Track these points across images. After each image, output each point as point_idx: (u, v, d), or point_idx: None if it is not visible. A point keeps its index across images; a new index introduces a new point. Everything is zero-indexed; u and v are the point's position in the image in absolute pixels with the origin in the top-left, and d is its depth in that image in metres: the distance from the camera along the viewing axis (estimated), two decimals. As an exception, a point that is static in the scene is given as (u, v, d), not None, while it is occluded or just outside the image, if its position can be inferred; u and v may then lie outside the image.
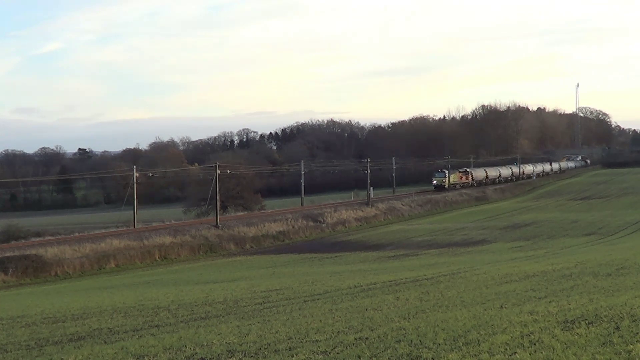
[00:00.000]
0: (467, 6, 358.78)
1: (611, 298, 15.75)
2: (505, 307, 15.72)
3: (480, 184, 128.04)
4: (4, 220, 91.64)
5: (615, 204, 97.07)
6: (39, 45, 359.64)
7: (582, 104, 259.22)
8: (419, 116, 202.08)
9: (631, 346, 10.20)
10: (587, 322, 12.31)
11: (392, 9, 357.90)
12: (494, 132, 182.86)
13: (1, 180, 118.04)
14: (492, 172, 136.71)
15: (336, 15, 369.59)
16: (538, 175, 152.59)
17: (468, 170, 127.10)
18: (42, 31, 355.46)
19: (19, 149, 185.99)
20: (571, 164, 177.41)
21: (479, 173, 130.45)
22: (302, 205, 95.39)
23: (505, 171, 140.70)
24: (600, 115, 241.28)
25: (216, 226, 70.59)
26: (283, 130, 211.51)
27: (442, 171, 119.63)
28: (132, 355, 13.29)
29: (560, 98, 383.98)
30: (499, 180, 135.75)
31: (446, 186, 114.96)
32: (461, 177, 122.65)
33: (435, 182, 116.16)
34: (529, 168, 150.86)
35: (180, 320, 19.28)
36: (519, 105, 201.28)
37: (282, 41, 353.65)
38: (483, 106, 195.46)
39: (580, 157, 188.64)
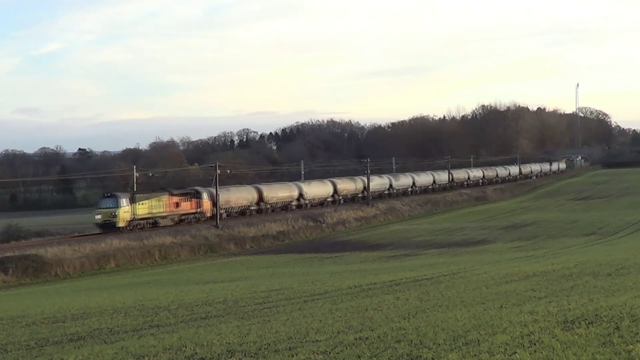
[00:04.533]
0: (467, 6, 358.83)
1: (611, 298, 15.75)
2: (505, 307, 15.72)
3: (240, 213, 77.39)
4: (4, 220, 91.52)
5: (615, 204, 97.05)
6: (39, 46, 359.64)
7: (582, 104, 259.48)
8: (419, 116, 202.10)
9: (631, 346, 10.20)
10: (587, 322, 12.31)
11: (392, 9, 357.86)
12: (494, 132, 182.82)
13: (1, 180, 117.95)
14: (284, 192, 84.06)
15: (336, 15, 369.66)
16: (455, 185, 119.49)
17: (201, 190, 73.08)
18: (43, 31, 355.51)
19: (19, 149, 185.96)
20: (537, 167, 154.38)
21: (228, 196, 75.57)
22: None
23: (346, 185, 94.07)
24: (600, 115, 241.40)
25: (216, 226, 70.59)
26: (283, 130, 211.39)
27: (111, 196, 65.80)
28: (132, 355, 13.30)
29: (560, 98, 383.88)
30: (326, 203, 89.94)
31: (119, 225, 63.16)
32: (175, 205, 69.25)
33: (98, 215, 64.61)
34: (440, 176, 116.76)
35: (180, 320, 19.28)
36: (519, 105, 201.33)
37: (282, 41, 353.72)
38: (483, 106, 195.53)
39: (580, 157, 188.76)
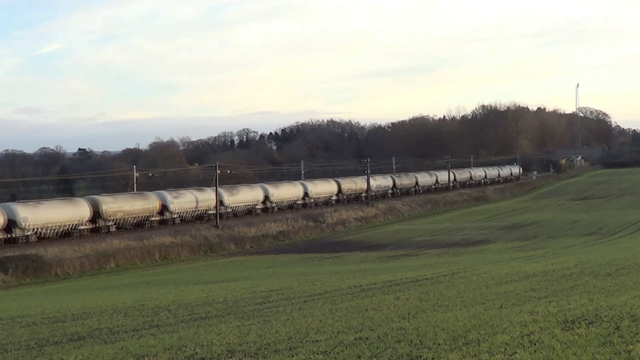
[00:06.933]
0: (467, 6, 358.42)
1: (611, 298, 15.75)
2: (505, 307, 15.72)
3: None
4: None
5: (615, 204, 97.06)
6: (39, 46, 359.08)
7: (582, 104, 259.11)
8: (419, 116, 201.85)
9: (631, 346, 10.20)
10: (587, 322, 12.31)
11: (392, 9, 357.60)
12: (494, 132, 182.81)
13: (1, 180, 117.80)
14: None
15: (336, 15, 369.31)
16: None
17: None
18: (43, 32, 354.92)
19: (19, 149, 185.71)
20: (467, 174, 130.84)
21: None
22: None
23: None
24: (600, 115, 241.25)
25: (216, 226, 70.63)
26: (283, 130, 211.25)
27: None
28: (132, 355, 13.29)
29: (560, 98, 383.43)
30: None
31: None
32: None
33: None
34: (282, 190, 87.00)
35: (180, 320, 19.28)
36: (519, 105, 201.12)
37: (282, 41, 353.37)
38: (483, 106, 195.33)
39: (580, 157, 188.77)
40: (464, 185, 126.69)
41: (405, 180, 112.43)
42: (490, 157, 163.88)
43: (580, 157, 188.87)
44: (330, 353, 11.50)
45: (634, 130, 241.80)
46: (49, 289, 43.73)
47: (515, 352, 10.31)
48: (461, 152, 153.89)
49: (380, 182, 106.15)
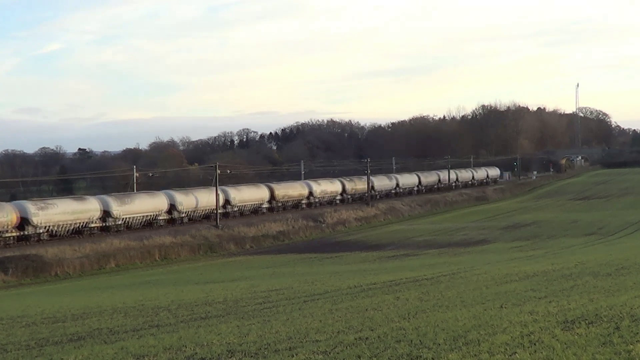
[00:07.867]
0: (467, 6, 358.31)
1: (611, 298, 15.76)
2: (505, 307, 15.73)
3: None
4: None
5: (615, 204, 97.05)
6: (40, 46, 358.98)
7: (582, 104, 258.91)
8: (419, 116, 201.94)
9: (631, 346, 10.20)
10: (587, 322, 12.32)
11: (392, 9, 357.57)
12: (494, 132, 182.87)
13: (1, 180, 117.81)
14: None
15: (336, 15, 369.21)
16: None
17: None
18: (43, 32, 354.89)
19: (19, 149, 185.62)
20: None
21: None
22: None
23: None
24: (600, 115, 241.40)
25: (216, 226, 70.63)
26: (283, 130, 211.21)
27: None
28: (132, 355, 13.29)
29: (560, 98, 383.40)
30: None
31: None
32: None
33: None
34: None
35: (180, 320, 19.28)
36: (519, 105, 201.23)
37: (282, 41, 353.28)
38: (483, 106, 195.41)
39: (580, 157, 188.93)
40: (430, 189, 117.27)
41: (359, 185, 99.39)
42: (490, 157, 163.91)
43: (580, 157, 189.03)
44: (330, 353, 11.50)
45: (634, 130, 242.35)
46: (49, 289, 43.74)
47: (515, 352, 10.31)
48: (461, 152, 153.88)
49: (326, 187, 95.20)
